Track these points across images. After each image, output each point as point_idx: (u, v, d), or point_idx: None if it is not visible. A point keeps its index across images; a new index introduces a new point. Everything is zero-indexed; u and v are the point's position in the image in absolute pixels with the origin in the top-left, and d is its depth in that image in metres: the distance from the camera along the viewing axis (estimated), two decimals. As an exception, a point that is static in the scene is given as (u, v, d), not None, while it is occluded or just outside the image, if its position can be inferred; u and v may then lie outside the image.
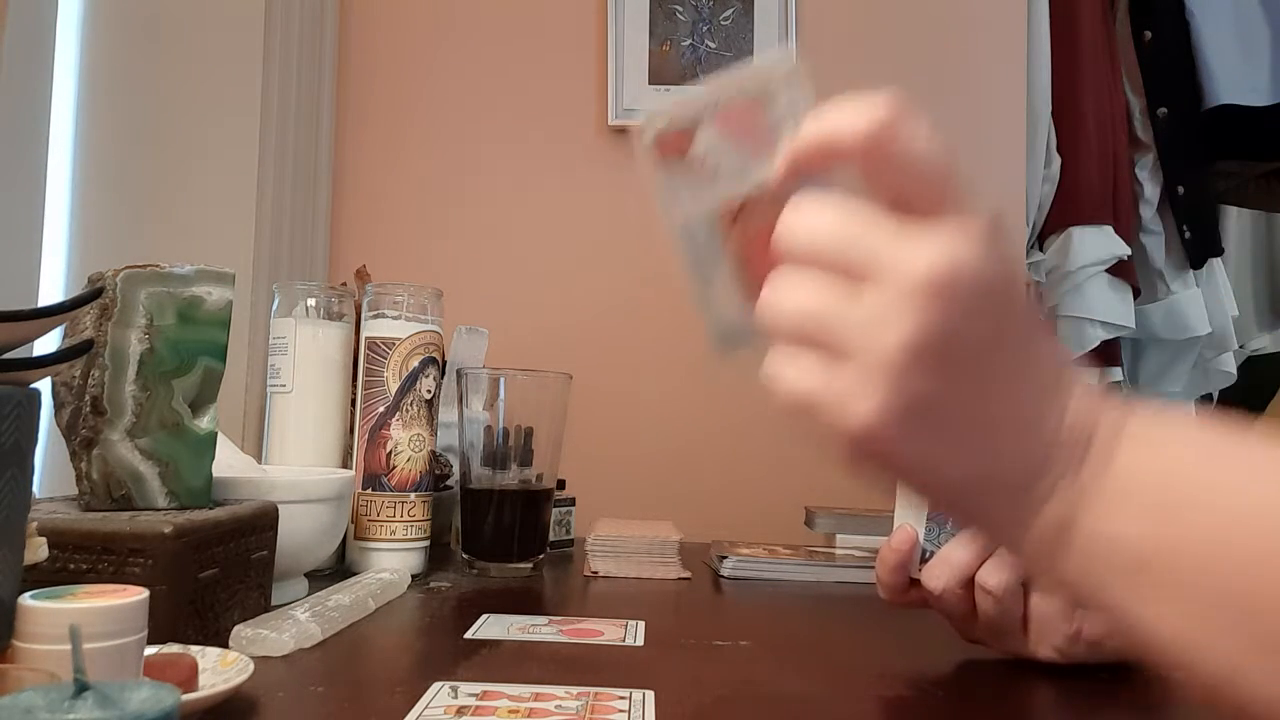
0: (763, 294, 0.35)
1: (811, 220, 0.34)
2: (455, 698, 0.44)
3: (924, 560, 0.59)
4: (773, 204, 0.37)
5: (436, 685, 0.46)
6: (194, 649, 0.45)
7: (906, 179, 0.33)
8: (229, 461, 0.72)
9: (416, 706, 0.43)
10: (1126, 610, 0.33)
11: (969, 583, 0.57)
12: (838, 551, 0.96)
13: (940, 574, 0.57)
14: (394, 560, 0.80)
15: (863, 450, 0.32)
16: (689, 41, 1.35)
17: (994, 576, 0.55)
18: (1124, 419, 0.34)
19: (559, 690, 0.46)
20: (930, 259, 0.31)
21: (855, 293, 0.32)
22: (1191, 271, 1.61)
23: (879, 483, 0.35)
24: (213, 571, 0.54)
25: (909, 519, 0.60)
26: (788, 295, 0.34)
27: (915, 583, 0.60)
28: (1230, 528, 0.31)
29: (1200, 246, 1.58)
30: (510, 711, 0.43)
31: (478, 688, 0.46)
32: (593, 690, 0.46)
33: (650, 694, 0.46)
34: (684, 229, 0.42)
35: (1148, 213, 1.59)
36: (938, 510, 0.34)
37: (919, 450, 0.32)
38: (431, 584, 0.79)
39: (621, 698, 0.45)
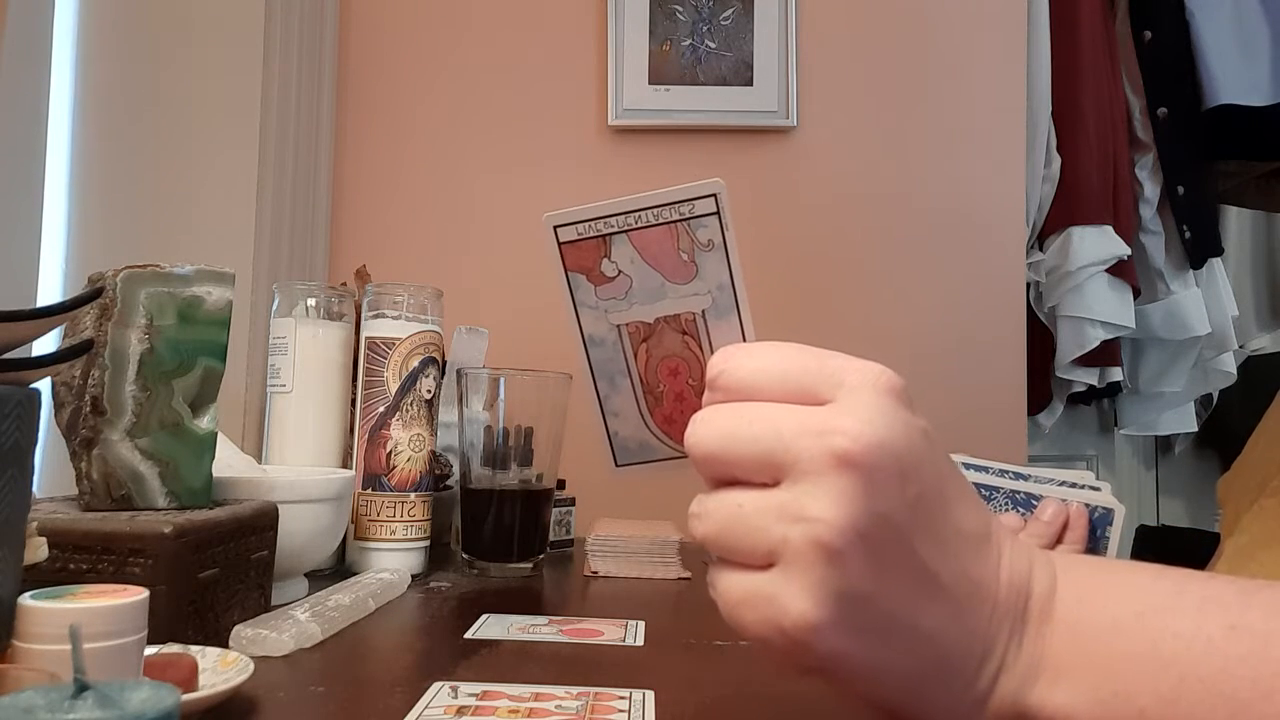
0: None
1: (716, 427, 0.33)
2: (455, 698, 0.44)
3: None
4: (680, 333, 0.37)
5: (436, 685, 0.46)
6: (194, 649, 0.45)
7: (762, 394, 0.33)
8: (229, 461, 0.72)
9: (416, 706, 0.43)
10: None
11: None
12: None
13: None
14: (394, 560, 0.80)
15: (804, 653, 0.31)
16: (689, 41, 1.35)
17: None
18: (1053, 566, 0.34)
19: (559, 690, 0.46)
20: (838, 439, 0.30)
21: (769, 495, 0.31)
22: (1191, 271, 1.61)
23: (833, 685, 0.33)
24: (213, 571, 0.54)
25: None
26: (707, 512, 0.33)
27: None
28: (1179, 686, 0.30)
29: (1200, 246, 1.58)
30: (510, 711, 0.43)
31: (478, 688, 0.46)
32: (593, 690, 0.46)
33: (650, 694, 0.46)
34: (590, 338, 0.42)
35: (1148, 213, 1.60)
36: (880, 698, 0.33)
37: (857, 649, 0.31)
38: (431, 584, 0.79)
39: (621, 698, 0.45)
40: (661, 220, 0.39)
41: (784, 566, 0.30)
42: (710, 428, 0.33)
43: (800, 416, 0.31)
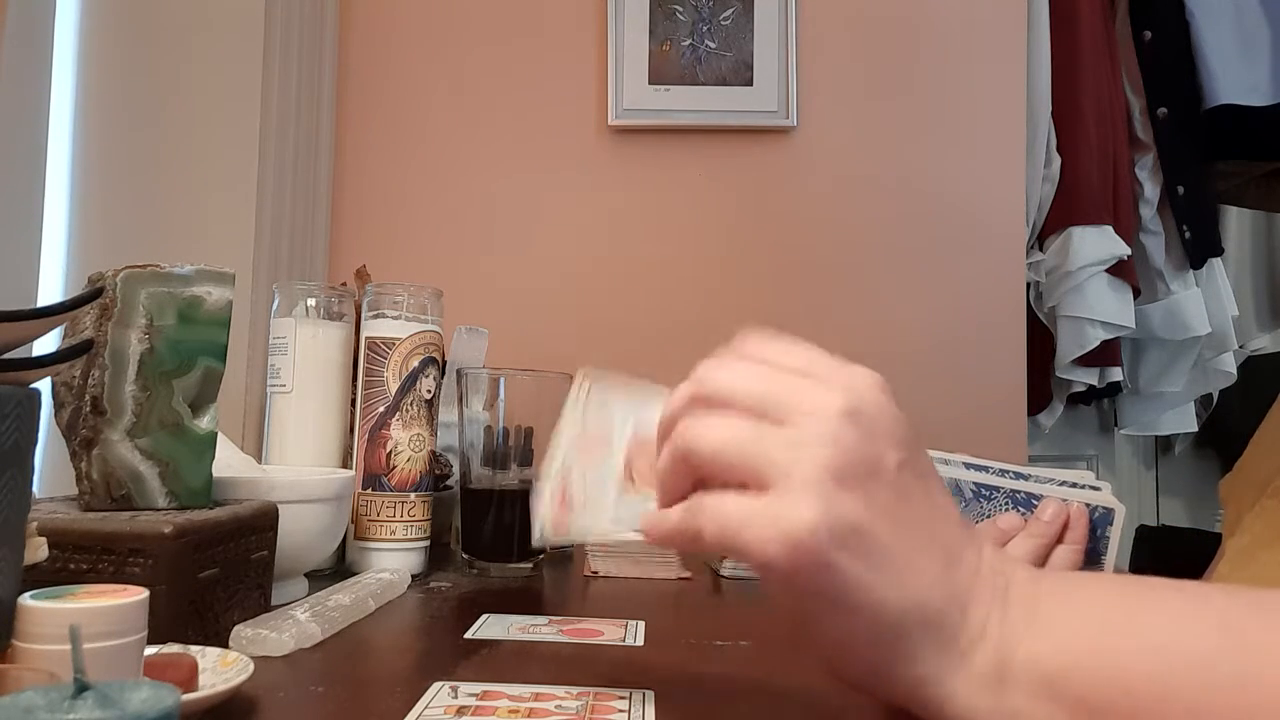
0: (680, 428, 0.37)
1: (728, 371, 0.37)
2: (455, 698, 0.44)
3: None
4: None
5: (436, 685, 0.46)
6: (194, 649, 0.45)
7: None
8: (229, 461, 0.72)
9: (416, 707, 0.43)
10: None
11: None
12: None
13: None
14: (394, 560, 0.80)
15: (800, 560, 0.32)
16: (689, 41, 1.35)
17: None
18: (1034, 572, 0.36)
19: (559, 690, 0.46)
20: (843, 394, 0.34)
21: (774, 428, 0.34)
22: (1191, 271, 1.61)
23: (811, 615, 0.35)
24: (213, 571, 0.54)
25: None
26: (708, 430, 0.35)
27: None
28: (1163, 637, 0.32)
29: (1200, 246, 1.58)
30: (510, 712, 0.43)
31: (478, 688, 0.46)
32: (593, 690, 0.46)
33: (650, 694, 0.46)
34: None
35: (1148, 213, 1.60)
36: (865, 650, 0.34)
37: (852, 567, 0.32)
38: (431, 584, 0.79)
39: (622, 698, 0.45)
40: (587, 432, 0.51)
41: (788, 485, 0.33)
42: (732, 369, 0.37)
43: (811, 379, 0.36)
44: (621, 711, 0.43)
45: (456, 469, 0.94)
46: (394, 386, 0.82)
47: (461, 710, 0.43)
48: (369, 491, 0.81)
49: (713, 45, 1.35)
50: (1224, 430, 1.84)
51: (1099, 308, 1.50)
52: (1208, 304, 1.61)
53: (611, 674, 0.51)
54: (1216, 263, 1.66)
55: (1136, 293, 1.56)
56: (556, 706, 0.43)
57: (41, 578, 0.42)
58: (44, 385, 0.57)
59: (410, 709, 0.43)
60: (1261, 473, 0.64)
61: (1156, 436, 1.93)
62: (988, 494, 0.59)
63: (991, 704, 0.33)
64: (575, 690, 0.46)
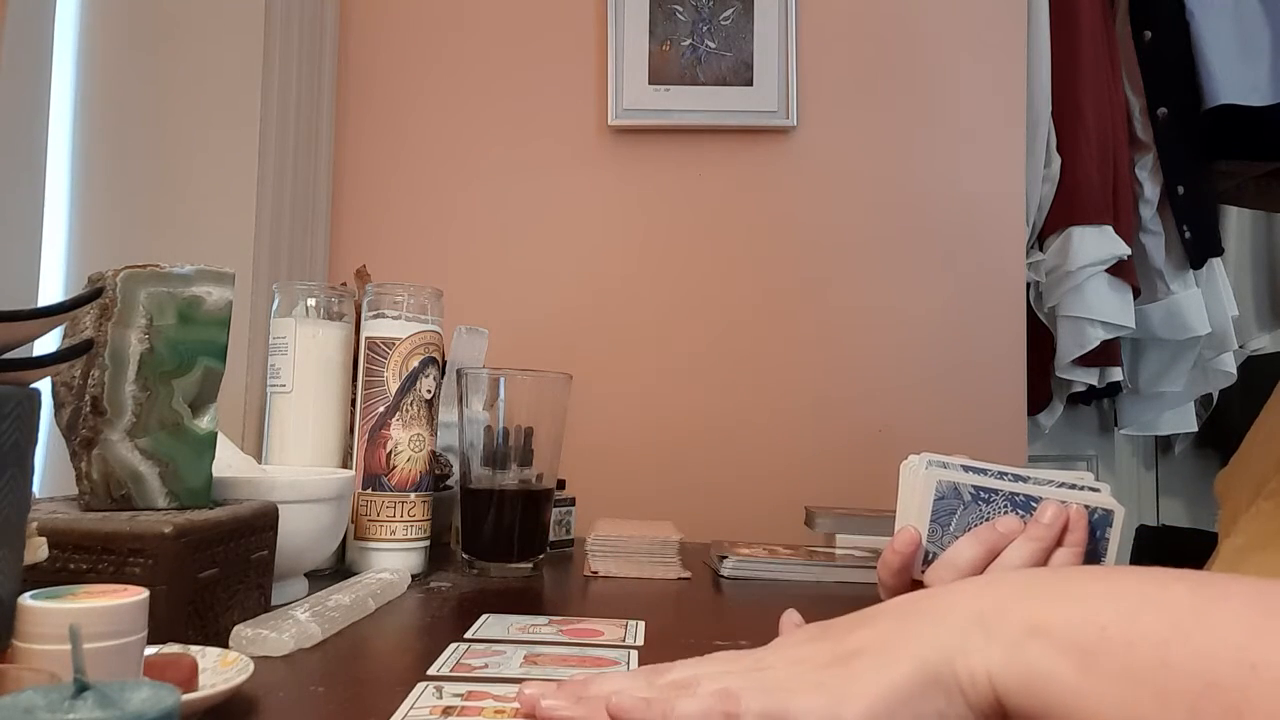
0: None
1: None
2: (440, 698, 0.45)
3: (927, 562, 0.59)
4: None
5: (421, 685, 0.47)
6: (194, 649, 0.45)
7: None
8: (229, 461, 0.72)
9: (402, 707, 0.43)
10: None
11: None
12: (838, 551, 0.96)
13: (945, 576, 0.57)
14: (394, 560, 0.80)
15: None
16: (689, 41, 1.35)
17: None
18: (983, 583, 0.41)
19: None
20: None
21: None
22: (1191, 271, 1.61)
23: None
24: (213, 571, 0.54)
25: (911, 520, 0.60)
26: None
27: (918, 585, 0.59)
28: (1140, 604, 0.33)
29: (1200, 246, 1.58)
30: (496, 712, 0.43)
31: (463, 688, 0.46)
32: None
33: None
34: None
35: (1148, 213, 1.59)
36: None
37: None
38: (431, 584, 0.79)
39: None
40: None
41: None
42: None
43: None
44: (607, 709, 0.43)
45: (456, 469, 0.94)
46: (394, 386, 0.82)
47: (447, 710, 0.43)
48: (369, 491, 0.82)
49: (713, 45, 1.35)
50: (1224, 430, 1.84)
51: (1099, 308, 1.49)
52: (1208, 304, 1.61)
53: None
54: (1216, 263, 1.65)
55: (1136, 293, 1.56)
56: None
57: (41, 578, 0.42)
58: (44, 385, 0.57)
59: (409, 709, 0.43)
60: (1257, 472, 0.64)
61: (1156, 436, 1.93)
62: (986, 497, 0.59)
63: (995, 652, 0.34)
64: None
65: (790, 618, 0.53)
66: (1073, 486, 0.59)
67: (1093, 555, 0.58)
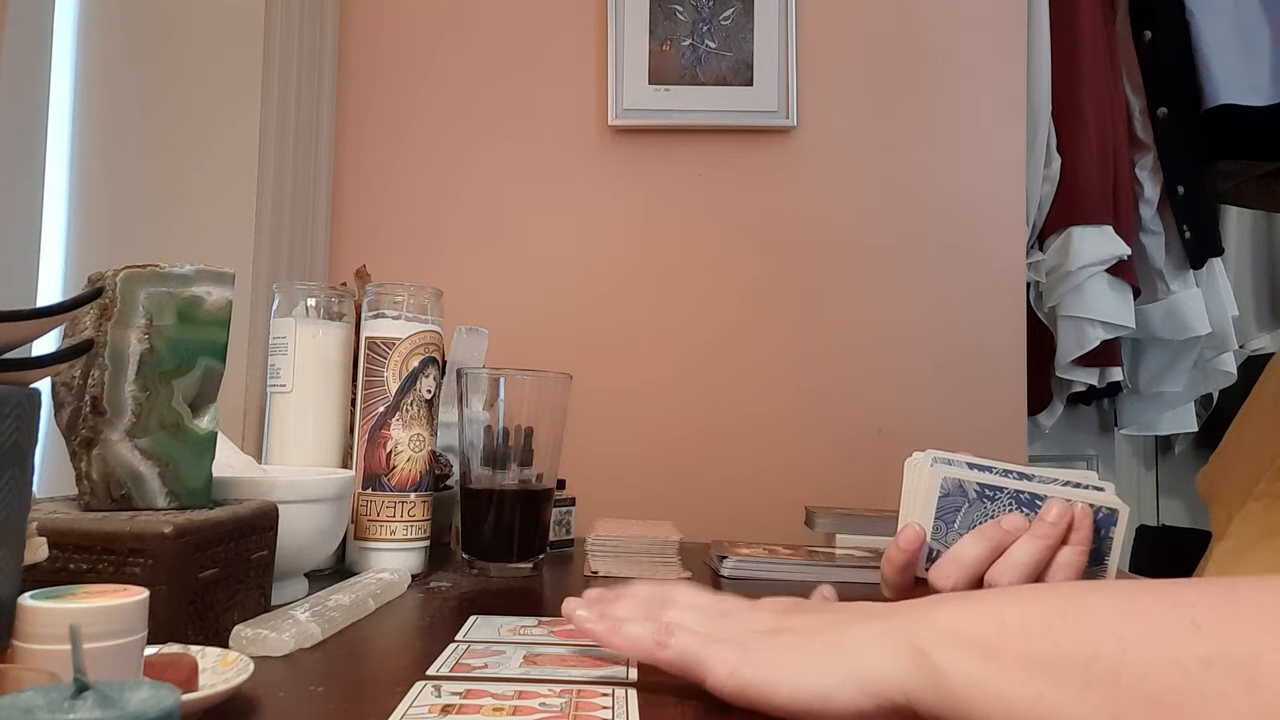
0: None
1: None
2: (439, 696, 0.44)
3: (931, 559, 0.59)
4: None
5: (419, 684, 0.46)
6: (194, 649, 0.45)
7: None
8: (229, 461, 0.72)
9: (400, 707, 0.43)
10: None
11: (978, 582, 0.56)
12: (838, 551, 0.96)
13: (949, 573, 0.57)
14: (394, 560, 0.80)
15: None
16: (689, 41, 1.35)
17: (1005, 575, 0.55)
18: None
19: (542, 689, 0.46)
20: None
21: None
22: (1191, 271, 1.61)
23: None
24: (213, 571, 0.54)
25: (916, 517, 0.60)
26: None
27: (921, 582, 0.59)
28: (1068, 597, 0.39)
29: (1200, 246, 1.58)
30: (495, 710, 0.43)
31: (461, 686, 0.46)
32: (575, 688, 0.47)
33: (633, 691, 0.46)
34: None
35: (1148, 213, 1.59)
36: None
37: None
38: (431, 584, 0.78)
39: (605, 694, 0.46)
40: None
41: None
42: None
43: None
44: (605, 708, 0.44)
45: (456, 469, 0.94)
46: (394, 386, 0.82)
47: (446, 709, 0.43)
48: (369, 491, 0.81)
49: (713, 45, 1.35)
50: (1224, 430, 1.84)
51: (1099, 308, 1.49)
52: (1208, 304, 1.61)
53: (610, 674, 0.51)
54: (1216, 263, 1.65)
55: (1136, 293, 1.56)
56: (540, 704, 0.44)
57: (41, 578, 0.42)
58: (44, 385, 0.56)
59: (407, 709, 0.43)
60: (1248, 472, 0.63)
61: (1156, 436, 1.93)
62: (991, 494, 0.59)
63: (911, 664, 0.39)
64: (559, 688, 0.46)
65: (821, 590, 0.59)
66: (1078, 485, 0.59)
67: (1097, 554, 0.58)
